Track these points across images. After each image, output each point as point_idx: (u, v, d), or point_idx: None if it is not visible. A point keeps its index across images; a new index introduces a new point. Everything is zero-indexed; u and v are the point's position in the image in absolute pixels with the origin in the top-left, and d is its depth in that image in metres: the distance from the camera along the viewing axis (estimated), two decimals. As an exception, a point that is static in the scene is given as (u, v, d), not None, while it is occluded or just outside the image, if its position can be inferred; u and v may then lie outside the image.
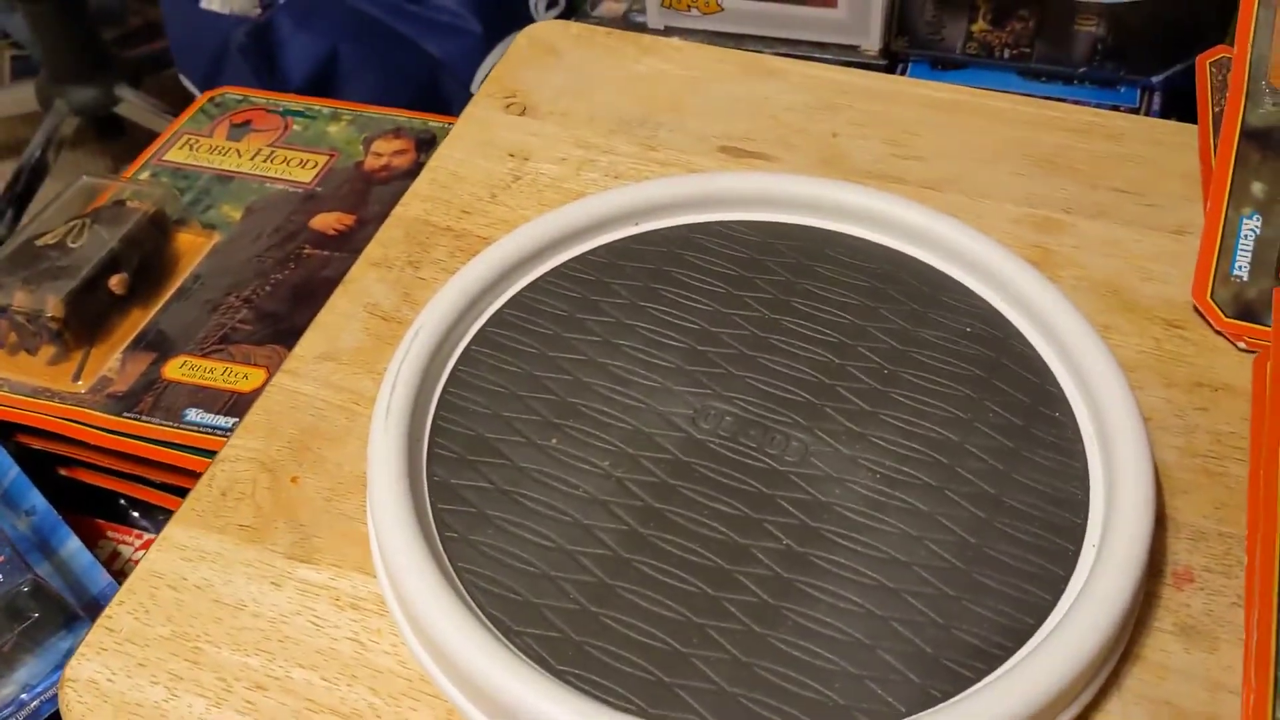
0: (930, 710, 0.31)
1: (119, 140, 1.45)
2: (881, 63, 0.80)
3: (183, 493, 0.53)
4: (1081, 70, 0.80)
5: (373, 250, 0.46)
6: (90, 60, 1.35)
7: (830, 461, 0.37)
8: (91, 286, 0.54)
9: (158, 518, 0.55)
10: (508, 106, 0.53)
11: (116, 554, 0.54)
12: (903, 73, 0.81)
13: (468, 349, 0.40)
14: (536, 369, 0.39)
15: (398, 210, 0.48)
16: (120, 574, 0.51)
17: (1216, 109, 0.49)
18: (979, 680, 0.32)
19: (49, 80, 1.36)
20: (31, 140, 1.33)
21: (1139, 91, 0.80)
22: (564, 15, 0.94)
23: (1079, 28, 0.79)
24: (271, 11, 1.14)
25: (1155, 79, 0.79)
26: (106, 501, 0.55)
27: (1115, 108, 0.79)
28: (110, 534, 0.54)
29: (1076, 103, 0.81)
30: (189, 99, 1.22)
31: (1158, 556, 0.36)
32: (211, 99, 0.69)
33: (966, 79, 0.82)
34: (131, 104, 1.35)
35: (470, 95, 0.60)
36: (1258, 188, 0.44)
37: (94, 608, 0.47)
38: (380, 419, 0.36)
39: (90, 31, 1.35)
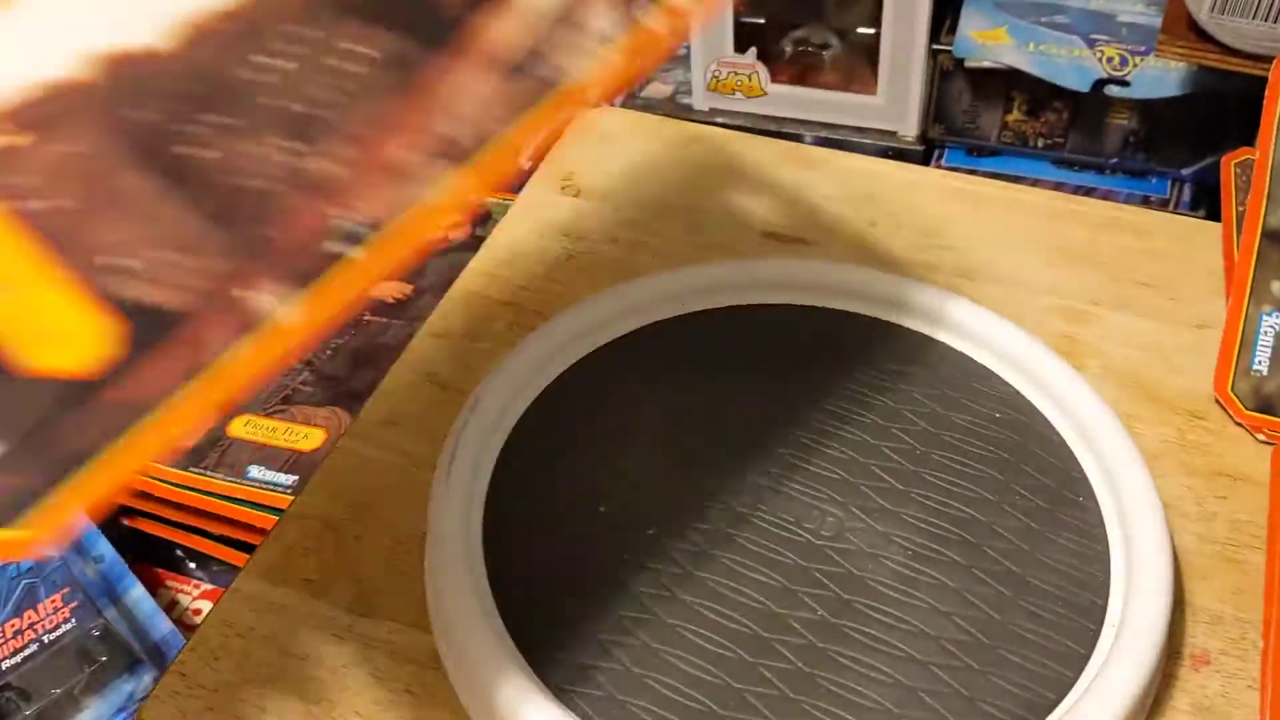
0: (954, 778, 0.33)
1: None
2: (918, 148, 0.83)
3: (240, 544, 0.55)
4: (1113, 161, 0.83)
5: (434, 322, 0.49)
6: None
7: (864, 537, 0.39)
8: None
9: (213, 568, 0.58)
10: (563, 188, 0.56)
11: (175, 602, 0.56)
12: (939, 159, 0.84)
13: (523, 418, 0.42)
14: (587, 439, 0.41)
15: (458, 284, 0.51)
16: (179, 621, 0.53)
17: (1240, 208, 0.51)
18: (1002, 751, 0.34)
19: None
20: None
21: (1169, 182, 0.82)
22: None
23: (1112, 120, 0.82)
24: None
25: (1185, 171, 0.81)
26: (163, 551, 0.58)
27: (1146, 198, 0.82)
28: (169, 583, 0.57)
29: (1108, 191, 0.84)
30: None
31: (1176, 639, 0.38)
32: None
33: (1001, 166, 0.84)
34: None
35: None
36: (1278, 286, 0.46)
37: (155, 653, 0.50)
38: (441, 482, 0.39)
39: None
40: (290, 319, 0.24)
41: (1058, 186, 0.83)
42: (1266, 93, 0.50)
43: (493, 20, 0.27)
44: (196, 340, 0.23)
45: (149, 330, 0.22)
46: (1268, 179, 0.48)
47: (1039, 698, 0.35)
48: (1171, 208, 0.81)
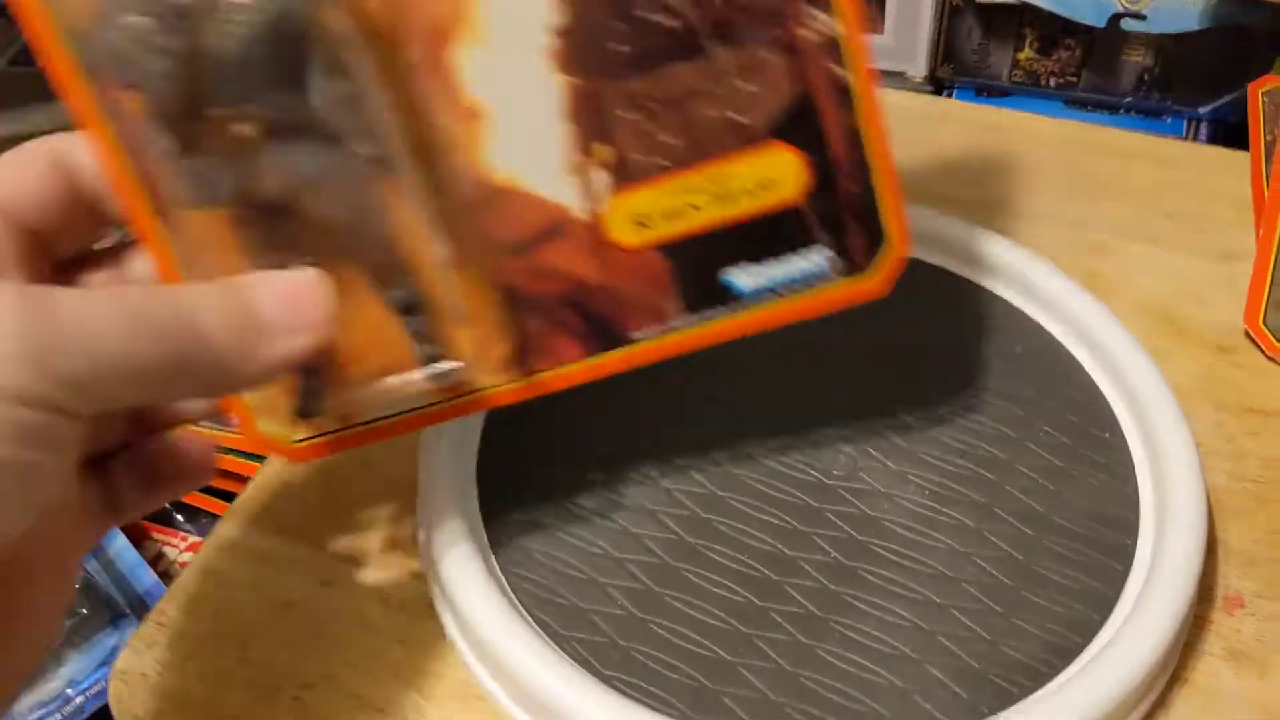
0: (978, 726, 0.31)
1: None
2: (928, 89, 0.80)
3: (228, 496, 0.53)
4: (1127, 100, 0.80)
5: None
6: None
7: (879, 477, 0.37)
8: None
9: (202, 521, 0.56)
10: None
11: (161, 555, 0.54)
12: (949, 98, 0.82)
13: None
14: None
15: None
16: (165, 574, 0.52)
17: (1269, 137, 0.49)
18: (1025, 697, 0.32)
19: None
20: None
21: (1185, 122, 0.80)
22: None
23: (1126, 57, 0.79)
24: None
25: (1202, 110, 0.78)
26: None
27: (1162, 137, 0.79)
28: (155, 535, 0.55)
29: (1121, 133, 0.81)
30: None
31: (1208, 581, 0.36)
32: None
33: (1012, 106, 0.82)
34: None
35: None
36: (1311, 215, 0.44)
37: (140, 606, 0.48)
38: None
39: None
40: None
41: (1070, 128, 0.80)
42: (1299, 13, 0.48)
43: None
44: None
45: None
46: (1301, 103, 0.46)
47: (1066, 641, 0.33)
48: (1210, 146, 0.78)
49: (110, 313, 0.23)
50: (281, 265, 0.28)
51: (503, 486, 0.36)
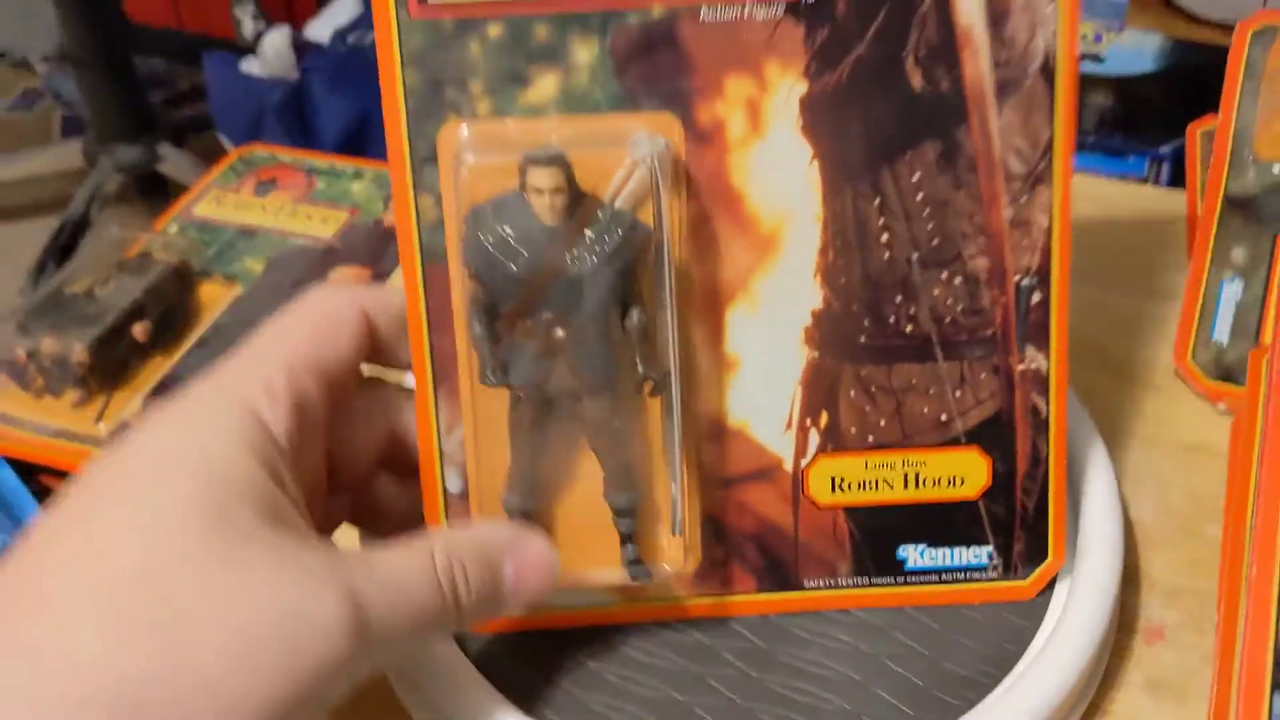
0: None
1: (160, 196, 1.50)
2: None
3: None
4: (1091, 140, 0.82)
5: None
6: (136, 120, 1.40)
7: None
8: (116, 334, 0.56)
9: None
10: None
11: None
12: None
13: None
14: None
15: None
16: None
17: (1204, 176, 0.50)
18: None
19: (95, 139, 1.41)
20: (76, 196, 1.38)
21: (1147, 161, 0.81)
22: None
23: (1089, 99, 0.81)
24: (307, 75, 1.19)
25: (1163, 149, 0.80)
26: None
27: (1124, 176, 0.81)
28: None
29: (1086, 170, 0.83)
30: (226, 158, 1.26)
31: (1131, 611, 0.37)
32: (241, 156, 0.72)
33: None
34: (173, 162, 1.39)
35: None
36: (1238, 254, 0.45)
37: None
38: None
39: (137, 92, 1.41)
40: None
41: (1035, 167, 0.82)
42: (1229, 58, 0.49)
43: None
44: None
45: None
46: (1230, 144, 0.47)
47: (992, 670, 0.34)
48: (1150, 186, 0.80)
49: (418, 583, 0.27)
50: (539, 448, 0.32)
51: None
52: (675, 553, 0.33)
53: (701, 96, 0.32)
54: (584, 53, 0.31)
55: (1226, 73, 0.49)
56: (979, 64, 0.31)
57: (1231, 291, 0.45)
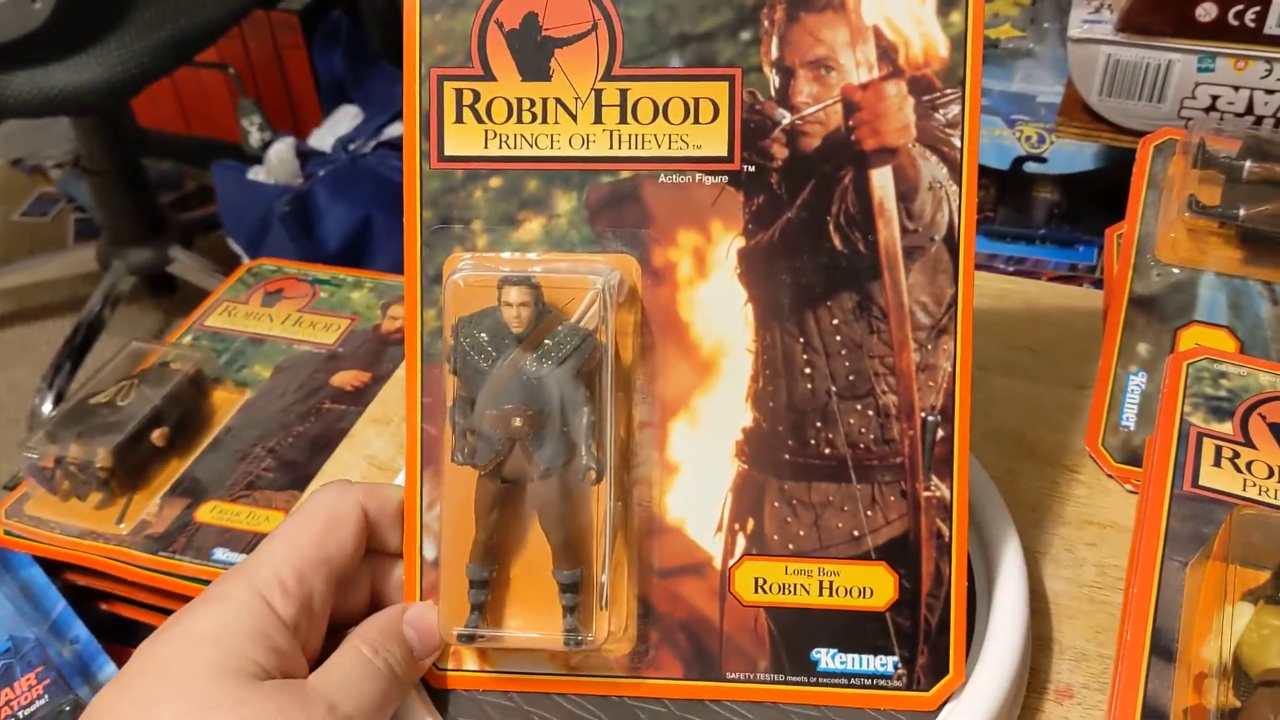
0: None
1: (171, 296, 1.56)
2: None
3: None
4: (1041, 232, 0.87)
5: (374, 409, 0.53)
6: (147, 224, 1.46)
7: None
8: (136, 440, 0.61)
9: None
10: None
11: None
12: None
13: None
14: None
15: (398, 373, 0.55)
16: None
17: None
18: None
19: (108, 243, 1.47)
20: (90, 298, 1.44)
21: (1096, 250, 0.87)
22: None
23: (1037, 194, 0.87)
24: (311, 182, 1.25)
25: (1109, 238, 0.86)
26: (139, 633, 0.62)
27: (1074, 265, 0.86)
28: (143, 662, 0.60)
29: (1038, 261, 0.88)
30: (235, 259, 1.32)
31: (1043, 675, 0.42)
32: (249, 269, 0.78)
33: (936, 239, 0.89)
34: (184, 263, 1.46)
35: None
36: (1143, 348, 0.50)
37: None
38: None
39: (148, 198, 1.47)
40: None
41: (991, 258, 0.87)
42: (1134, 170, 0.55)
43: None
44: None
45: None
46: (1134, 249, 0.53)
47: None
48: (1098, 274, 0.85)
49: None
50: (499, 522, 0.38)
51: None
52: (606, 628, 0.38)
53: (657, 244, 0.38)
54: (564, 203, 0.38)
55: (1131, 183, 0.55)
56: (891, 231, 0.37)
57: (1137, 383, 0.50)
